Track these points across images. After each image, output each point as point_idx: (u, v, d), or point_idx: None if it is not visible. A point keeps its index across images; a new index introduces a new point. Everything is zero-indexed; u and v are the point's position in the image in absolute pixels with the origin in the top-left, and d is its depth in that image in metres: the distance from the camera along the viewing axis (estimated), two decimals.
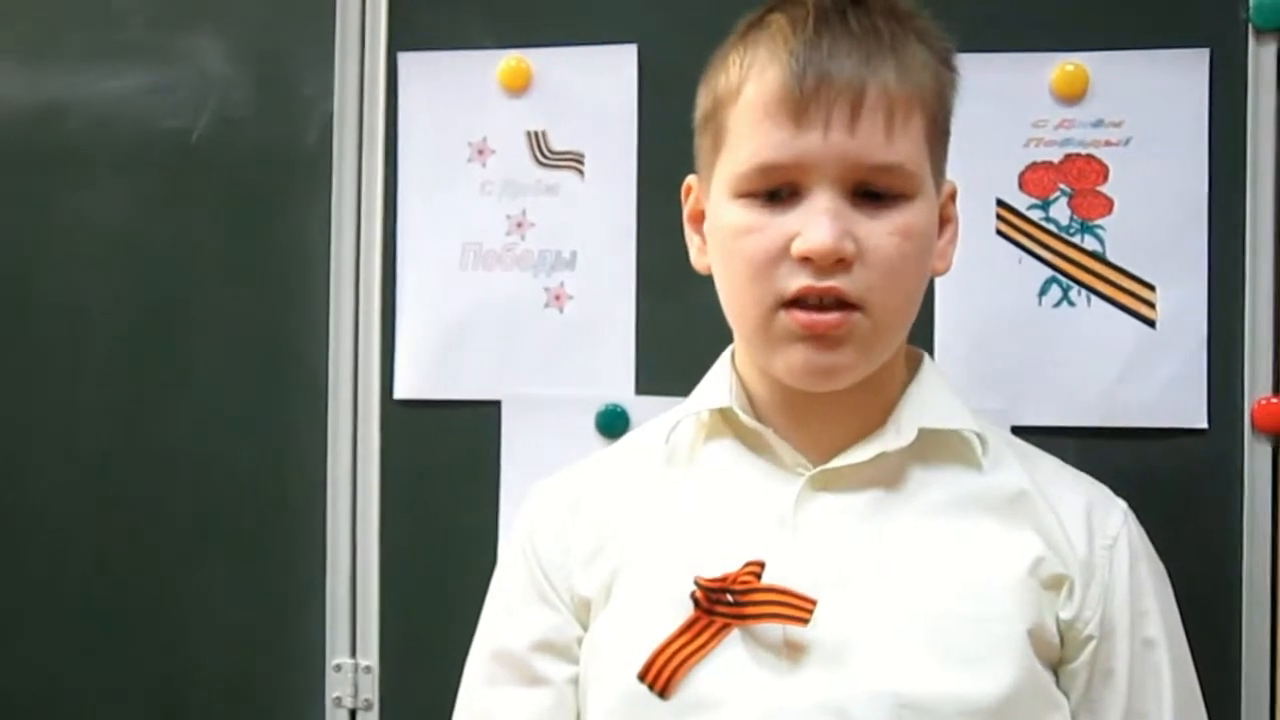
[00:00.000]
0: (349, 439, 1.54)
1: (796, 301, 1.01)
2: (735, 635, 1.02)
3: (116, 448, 1.59)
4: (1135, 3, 1.40)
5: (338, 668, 1.53)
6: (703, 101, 1.11)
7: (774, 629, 1.01)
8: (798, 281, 1.01)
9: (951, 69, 1.09)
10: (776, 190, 1.02)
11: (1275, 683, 1.36)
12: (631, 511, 1.11)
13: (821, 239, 0.99)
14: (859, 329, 1.02)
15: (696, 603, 1.02)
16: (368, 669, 1.53)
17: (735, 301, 1.07)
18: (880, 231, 1.01)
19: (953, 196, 1.12)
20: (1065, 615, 1.05)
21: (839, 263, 1.00)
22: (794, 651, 1.00)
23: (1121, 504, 1.12)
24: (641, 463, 1.15)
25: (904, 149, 1.02)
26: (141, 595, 1.58)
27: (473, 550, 1.49)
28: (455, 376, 1.52)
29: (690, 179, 1.14)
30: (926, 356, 1.14)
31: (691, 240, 1.15)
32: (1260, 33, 1.37)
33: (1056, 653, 1.05)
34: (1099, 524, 1.08)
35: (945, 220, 1.11)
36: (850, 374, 1.04)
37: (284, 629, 1.55)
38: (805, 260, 1.00)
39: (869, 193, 1.02)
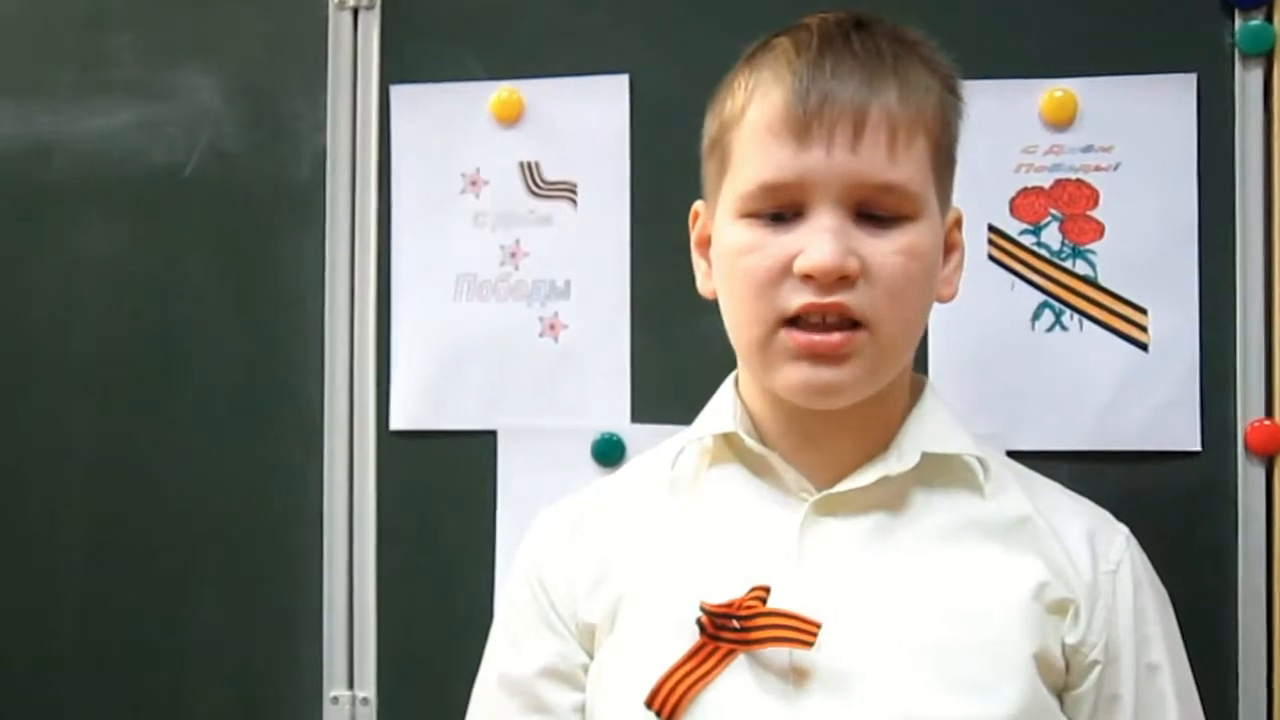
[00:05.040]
0: (345, 470, 1.53)
1: (797, 321, 1.01)
2: (741, 660, 1.01)
3: (110, 483, 1.58)
4: (1123, 29, 1.41)
5: (335, 700, 1.52)
6: (709, 127, 1.11)
7: (780, 654, 1.01)
8: (800, 299, 1.00)
9: (956, 96, 1.09)
10: (780, 212, 1.02)
11: (1272, 703, 1.37)
12: (636, 537, 1.11)
13: (824, 256, 0.99)
14: (863, 346, 1.01)
15: (702, 628, 1.02)
16: (365, 701, 1.52)
17: (737, 321, 1.06)
18: (884, 250, 1.01)
19: (959, 223, 1.11)
20: (1070, 640, 1.05)
21: (842, 279, 0.99)
22: (800, 677, 1.00)
23: (1124, 529, 1.11)
24: (645, 489, 1.15)
25: (906, 169, 1.01)
26: (136, 628, 1.57)
27: (469, 581, 1.49)
28: (451, 407, 1.52)
29: (697, 204, 1.14)
30: (929, 382, 1.14)
31: (698, 265, 1.14)
32: (1246, 58, 1.38)
33: (1062, 678, 1.05)
34: (1102, 549, 1.08)
35: (951, 247, 1.10)
36: (852, 391, 1.03)
37: (281, 661, 1.54)
38: (808, 278, 1.00)
39: (872, 214, 1.02)
